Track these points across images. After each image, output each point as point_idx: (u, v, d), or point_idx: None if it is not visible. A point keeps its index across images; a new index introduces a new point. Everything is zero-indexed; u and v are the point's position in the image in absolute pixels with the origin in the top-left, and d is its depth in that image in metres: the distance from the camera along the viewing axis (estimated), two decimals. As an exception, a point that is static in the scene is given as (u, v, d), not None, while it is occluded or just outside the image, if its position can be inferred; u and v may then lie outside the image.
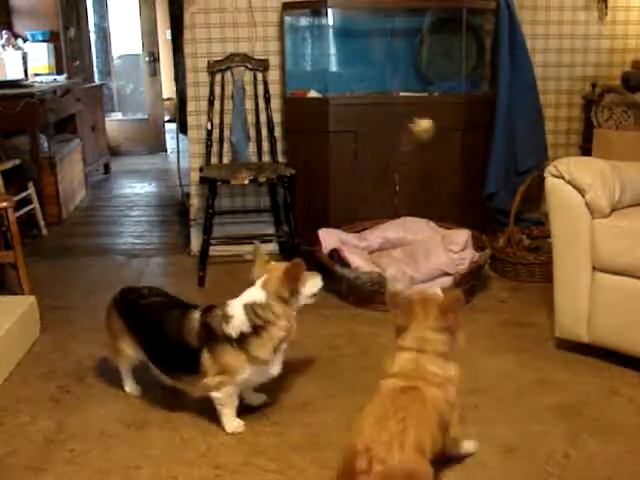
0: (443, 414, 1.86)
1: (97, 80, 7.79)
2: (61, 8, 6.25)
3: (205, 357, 2.20)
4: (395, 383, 1.87)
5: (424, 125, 2.83)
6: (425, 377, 1.88)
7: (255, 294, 2.19)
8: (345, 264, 3.33)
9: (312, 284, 2.26)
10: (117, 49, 8.89)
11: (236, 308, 2.19)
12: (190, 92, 4.07)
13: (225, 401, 2.25)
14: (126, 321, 2.40)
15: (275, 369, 2.27)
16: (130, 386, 2.53)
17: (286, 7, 3.85)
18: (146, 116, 8.40)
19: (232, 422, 2.28)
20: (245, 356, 2.17)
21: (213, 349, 2.19)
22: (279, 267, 2.22)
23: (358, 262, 3.32)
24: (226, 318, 2.18)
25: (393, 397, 1.83)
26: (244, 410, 2.39)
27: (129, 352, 2.43)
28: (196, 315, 2.26)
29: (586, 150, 4.09)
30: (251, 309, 2.17)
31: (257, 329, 2.16)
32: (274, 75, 4.02)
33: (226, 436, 2.24)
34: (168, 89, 9.12)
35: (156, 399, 2.48)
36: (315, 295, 2.28)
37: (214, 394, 2.24)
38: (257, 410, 2.39)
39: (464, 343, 1.94)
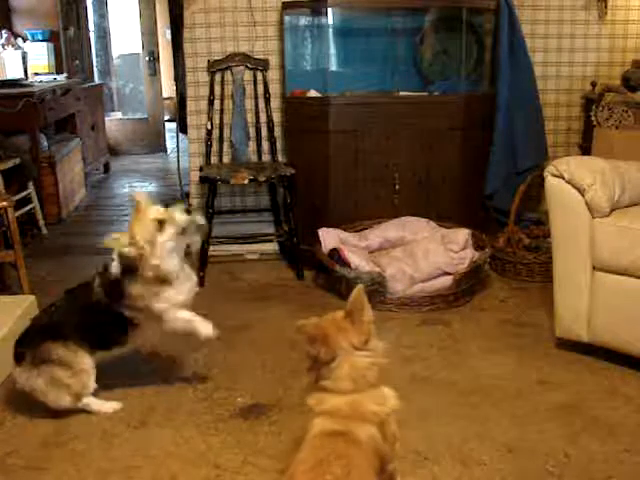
0: (384, 456, 1.62)
1: (97, 80, 7.79)
2: (61, 8, 6.25)
3: (131, 285, 2.34)
4: (325, 424, 1.59)
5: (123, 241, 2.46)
6: (364, 417, 1.60)
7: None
8: (345, 264, 3.33)
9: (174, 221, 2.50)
10: (117, 49, 8.89)
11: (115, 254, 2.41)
12: (190, 92, 4.07)
13: (181, 314, 2.38)
14: (72, 334, 2.35)
15: (192, 281, 2.45)
16: (107, 403, 2.43)
17: (286, 6, 3.85)
18: (146, 116, 8.40)
19: (206, 325, 2.41)
20: (152, 277, 2.35)
21: (130, 279, 2.35)
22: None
23: (358, 262, 3.32)
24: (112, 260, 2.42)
25: (328, 441, 1.55)
26: (244, 410, 2.40)
27: (89, 363, 2.37)
28: (97, 271, 2.46)
29: (586, 149, 4.08)
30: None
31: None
32: (274, 74, 4.02)
33: (226, 436, 2.24)
34: (168, 89, 9.13)
35: (156, 399, 2.48)
36: (189, 230, 2.51)
37: (170, 314, 2.37)
38: (257, 410, 2.39)
39: (383, 347, 1.68)
